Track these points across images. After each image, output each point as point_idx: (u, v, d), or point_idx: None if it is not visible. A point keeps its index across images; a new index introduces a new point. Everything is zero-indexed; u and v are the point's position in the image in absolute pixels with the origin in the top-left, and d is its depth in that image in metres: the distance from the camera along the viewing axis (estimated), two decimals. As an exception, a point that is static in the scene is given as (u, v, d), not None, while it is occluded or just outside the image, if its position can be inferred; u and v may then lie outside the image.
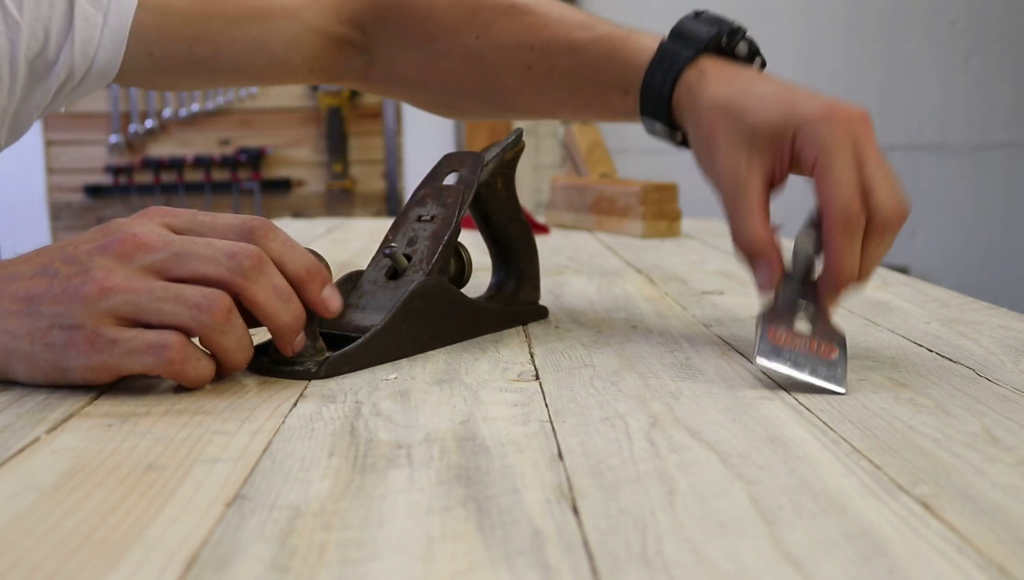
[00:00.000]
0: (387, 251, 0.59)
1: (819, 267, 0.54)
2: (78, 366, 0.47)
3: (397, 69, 0.73)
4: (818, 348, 0.51)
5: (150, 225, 0.49)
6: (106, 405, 0.47)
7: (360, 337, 0.54)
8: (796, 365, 0.50)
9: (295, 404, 0.47)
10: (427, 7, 0.70)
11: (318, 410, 0.46)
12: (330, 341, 0.55)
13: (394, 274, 0.59)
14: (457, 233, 0.60)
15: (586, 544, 0.30)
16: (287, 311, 0.50)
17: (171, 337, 0.47)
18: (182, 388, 0.49)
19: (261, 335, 0.53)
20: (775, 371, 0.50)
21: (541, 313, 0.68)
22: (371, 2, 0.72)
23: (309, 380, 0.51)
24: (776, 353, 0.51)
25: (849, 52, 3.30)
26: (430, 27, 0.70)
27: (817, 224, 0.53)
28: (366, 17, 0.72)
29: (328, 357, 0.52)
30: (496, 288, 0.67)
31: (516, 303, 0.66)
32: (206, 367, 0.48)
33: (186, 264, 0.48)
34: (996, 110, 3.31)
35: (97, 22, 0.67)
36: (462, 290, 0.62)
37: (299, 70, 0.74)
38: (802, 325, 0.53)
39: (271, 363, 0.53)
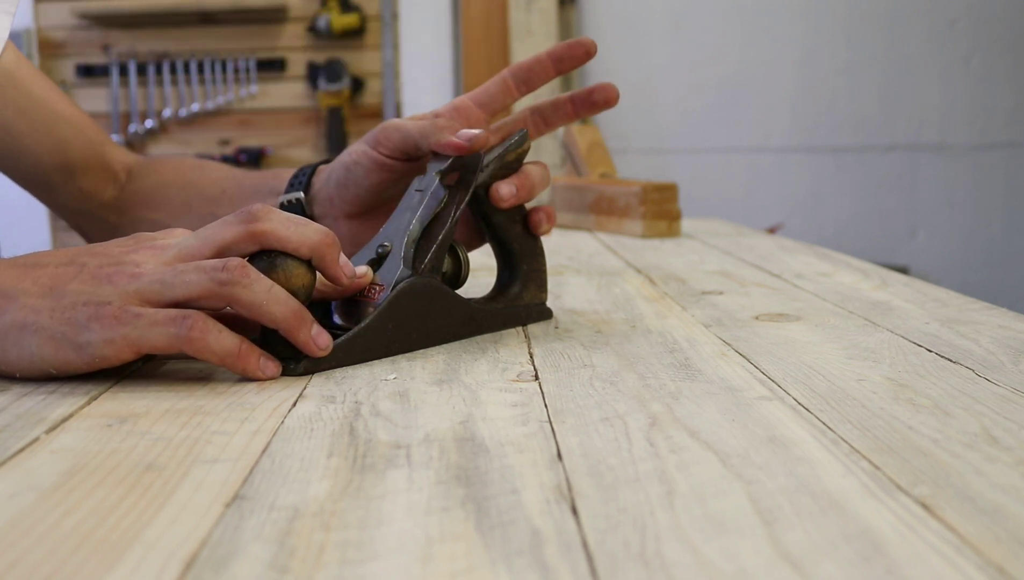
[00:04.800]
0: (379, 249, 0.59)
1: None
2: (99, 339, 0.48)
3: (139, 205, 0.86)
4: (369, 290, 0.57)
5: (177, 233, 0.53)
6: (105, 405, 0.47)
7: (344, 334, 0.54)
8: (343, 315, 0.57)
9: (294, 404, 0.47)
10: (173, 168, 0.86)
11: (317, 410, 0.46)
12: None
13: (373, 268, 0.59)
14: (452, 233, 0.60)
15: (585, 544, 0.30)
16: (307, 235, 0.52)
17: (192, 311, 0.49)
18: (182, 387, 0.49)
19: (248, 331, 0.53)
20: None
21: (544, 314, 0.68)
22: (138, 161, 0.87)
23: (289, 376, 0.52)
24: (339, 306, 0.58)
25: (849, 52, 3.30)
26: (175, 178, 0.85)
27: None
28: (133, 168, 0.86)
29: None
30: (499, 289, 0.67)
31: (520, 304, 0.66)
32: (228, 339, 0.49)
33: (210, 239, 0.51)
34: (996, 110, 3.31)
35: None
36: (459, 290, 0.62)
37: (73, 182, 0.84)
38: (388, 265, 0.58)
39: None
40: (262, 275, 0.50)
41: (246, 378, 0.51)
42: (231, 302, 0.49)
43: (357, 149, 0.69)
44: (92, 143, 0.84)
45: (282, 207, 0.73)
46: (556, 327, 0.65)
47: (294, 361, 0.52)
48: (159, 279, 0.49)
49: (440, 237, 0.59)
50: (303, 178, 0.73)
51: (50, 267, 0.51)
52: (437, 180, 0.62)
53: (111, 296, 0.49)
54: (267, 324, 0.51)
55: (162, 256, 0.51)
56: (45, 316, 0.49)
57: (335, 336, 0.55)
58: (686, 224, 1.38)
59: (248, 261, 0.51)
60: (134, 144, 3.32)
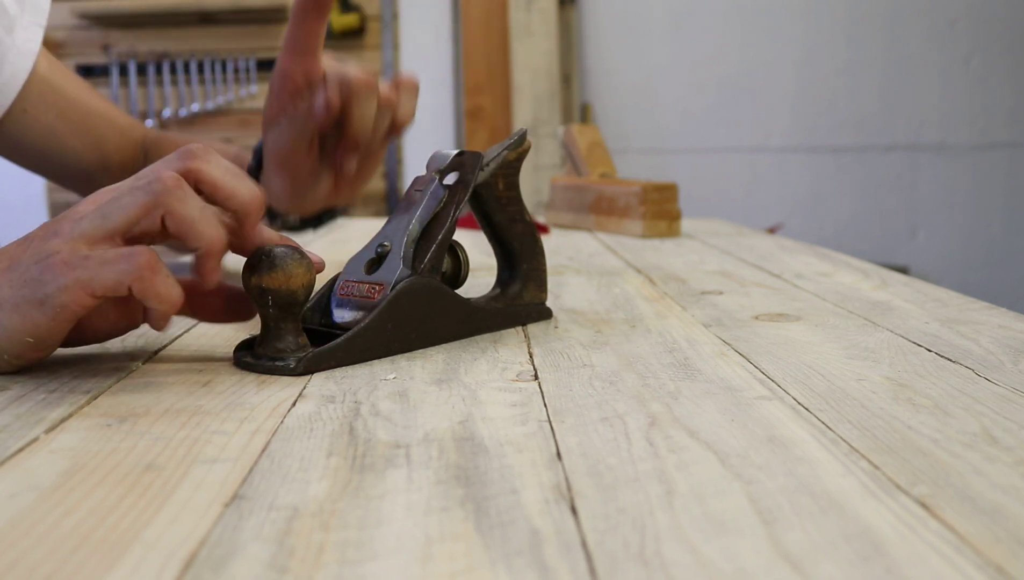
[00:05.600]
0: (378, 249, 0.59)
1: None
2: (54, 288, 0.48)
3: None
4: (369, 290, 0.58)
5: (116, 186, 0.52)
6: (105, 405, 0.47)
7: (343, 334, 0.54)
8: (342, 314, 0.58)
9: (294, 404, 0.47)
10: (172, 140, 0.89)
11: (317, 410, 0.46)
12: (317, 337, 0.55)
13: (372, 268, 0.59)
14: (451, 233, 0.60)
15: (584, 544, 0.30)
16: (238, 189, 0.51)
17: (141, 248, 0.48)
18: (181, 387, 0.49)
19: (247, 331, 0.53)
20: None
21: (544, 313, 0.68)
22: (148, 140, 0.91)
23: (288, 376, 0.52)
24: (339, 304, 0.58)
25: (849, 52, 3.30)
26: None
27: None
28: (147, 150, 0.90)
29: (308, 353, 0.52)
30: (499, 288, 0.67)
31: (520, 304, 0.66)
32: (174, 286, 0.49)
33: (146, 174, 0.50)
34: (996, 110, 3.31)
35: None
36: (459, 289, 0.62)
37: (110, 174, 0.88)
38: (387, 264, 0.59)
39: (254, 359, 0.53)
40: (195, 194, 0.50)
41: (245, 382, 0.51)
42: (167, 213, 0.49)
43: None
44: (124, 133, 0.89)
45: None
46: (556, 327, 0.65)
47: (294, 359, 0.52)
48: (99, 212, 0.49)
49: (439, 237, 0.59)
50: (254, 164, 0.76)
51: (6, 253, 0.51)
52: (436, 180, 0.62)
53: (58, 246, 0.49)
54: (192, 243, 0.50)
55: (102, 199, 0.50)
56: (5, 289, 0.49)
57: (335, 336, 0.55)
58: (686, 224, 1.38)
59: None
60: (134, 144, 3.32)
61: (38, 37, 0.83)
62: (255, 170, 0.75)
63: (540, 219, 1.45)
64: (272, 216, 0.80)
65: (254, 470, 0.37)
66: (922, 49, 3.30)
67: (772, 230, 2.79)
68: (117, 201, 0.49)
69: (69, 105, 0.85)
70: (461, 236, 0.82)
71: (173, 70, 3.31)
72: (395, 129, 0.68)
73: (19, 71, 0.81)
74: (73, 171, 0.88)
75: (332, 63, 0.67)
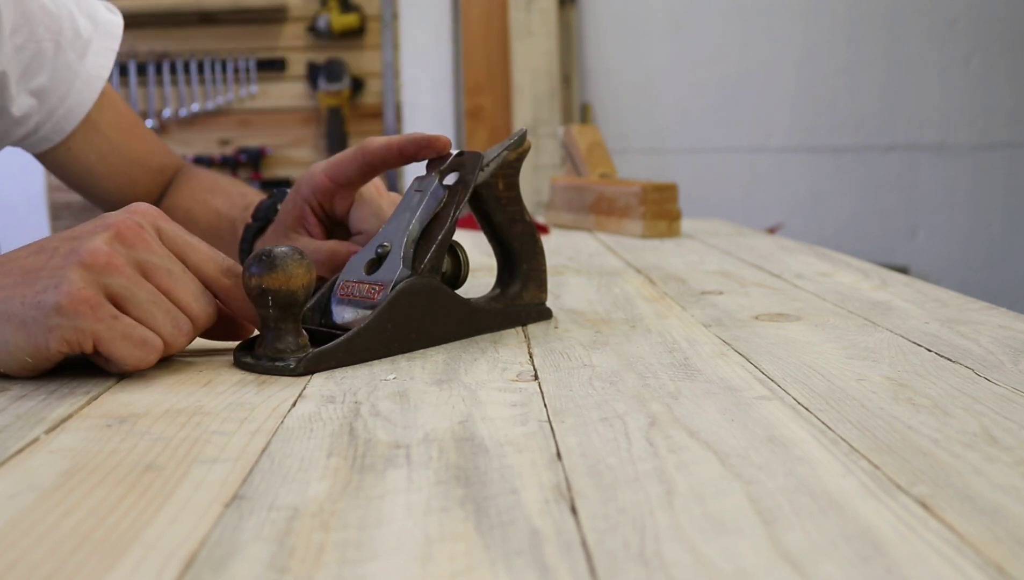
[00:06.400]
0: (379, 250, 0.59)
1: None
2: (69, 326, 0.48)
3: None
4: (369, 290, 0.58)
5: (147, 225, 0.52)
6: (105, 405, 0.47)
7: (343, 334, 0.54)
8: (342, 314, 0.58)
9: (294, 404, 0.47)
10: (198, 175, 0.93)
11: (317, 410, 0.46)
12: (317, 337, 0.55)
13: (372, 268, 0.59)
14: (451, 233, 0.60)
15: (584, 544, 0.30)
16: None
17: (159, 343, 0.51)
18: (181, 387, 0.49)
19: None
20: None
21: (544, 313, 0.68)
22: (175, 171, 0.95)
23: (288, 376, 0.52)
24: (339, 303, 0.58)
25: (849, 52, 3.30)
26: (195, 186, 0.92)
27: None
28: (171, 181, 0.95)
29: (308, 353, 0.52)
30: (499, 289, 0.67)
31: (520, 304, 0.66)
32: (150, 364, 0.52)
33: (171, 287, 0.51)
34: (996, 110, 3.31)
35: (61, 93, 0.82)
36: (459, 289, 0.62)
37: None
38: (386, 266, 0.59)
39: (254, 359, 0.53)
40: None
41: (245, 382, 0.51)
42: (167, 347, 0.52)
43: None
44: (155, 176, 0.92)
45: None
46: (556, 327, 0.65)
47: (294, 360, 0.52)
48: (131, 291, 0.49)
49: (440, 237, 0.59)
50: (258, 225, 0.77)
51: (20, 259, 0.51)
52: (436, 180, 0.62)
53: (79, 282, 0.48)
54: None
55: (133, 251, 0.50)
56: (16, 303, 0.49)
57: (335, 336, 0.55)
58: (686, 224, 1.38)
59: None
60: (134, 144, 3.31)
61: (108, 63, 0.85)
62: (256, 231, 0.76)
63: (540, 219, 1.45)
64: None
65: (254, 470, 0.37)
66: (922, 49, 3.29)
67: (772, 230, 2.79)
68: (154, 306, 0.50)
69: (110, 149, 0.88)
70: (461, 236, 0.82)
71: (173, 70, 3.31)
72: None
73: (85, 99, 0.83)
74: (101, 202, 0.92)
75: (369, 193, 0.71)
